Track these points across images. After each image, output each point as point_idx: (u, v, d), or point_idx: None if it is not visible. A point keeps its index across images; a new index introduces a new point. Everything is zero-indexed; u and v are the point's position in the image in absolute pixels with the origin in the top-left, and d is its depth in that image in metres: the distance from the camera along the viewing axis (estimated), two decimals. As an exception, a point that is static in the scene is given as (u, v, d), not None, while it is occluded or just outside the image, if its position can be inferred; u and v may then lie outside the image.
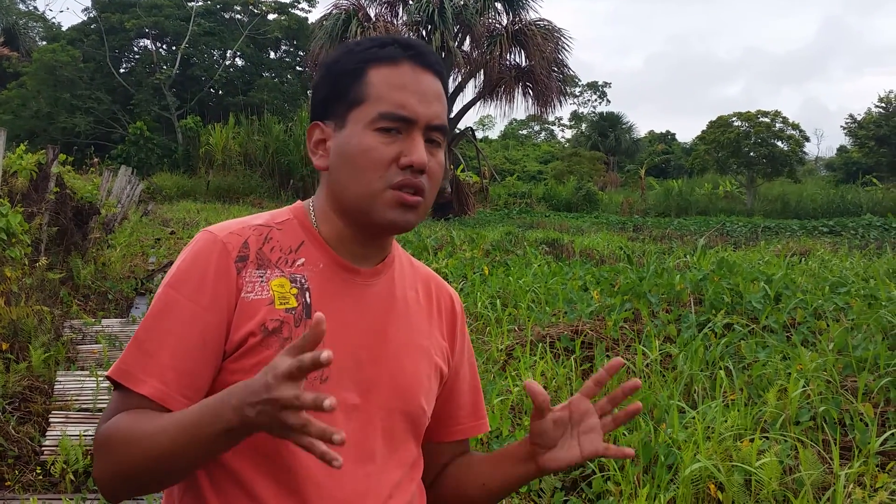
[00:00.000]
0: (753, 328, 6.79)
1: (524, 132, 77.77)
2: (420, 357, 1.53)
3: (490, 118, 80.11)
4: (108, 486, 1.34)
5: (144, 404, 1.33)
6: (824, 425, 4.62)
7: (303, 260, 1.45)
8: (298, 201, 1.57)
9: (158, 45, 52.63)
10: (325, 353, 1.10)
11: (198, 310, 1.36)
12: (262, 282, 1.40)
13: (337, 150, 1.44)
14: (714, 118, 46.92)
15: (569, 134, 79.09)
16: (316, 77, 1.55)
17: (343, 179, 1.43)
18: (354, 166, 1.41)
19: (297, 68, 53.17)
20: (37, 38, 55.02)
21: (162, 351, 1.34)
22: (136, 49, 53.61)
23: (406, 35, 27.74)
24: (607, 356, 6.20)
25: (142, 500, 4.04)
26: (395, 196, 1.40)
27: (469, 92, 30.73)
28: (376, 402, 1.44)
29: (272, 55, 54.66)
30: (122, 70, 51.44)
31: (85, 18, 52.71)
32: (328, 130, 1.47)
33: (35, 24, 55.81)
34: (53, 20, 57.74)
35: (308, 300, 1.42)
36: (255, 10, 52.26)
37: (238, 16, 53.84)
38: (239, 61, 54.73)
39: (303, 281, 1.43)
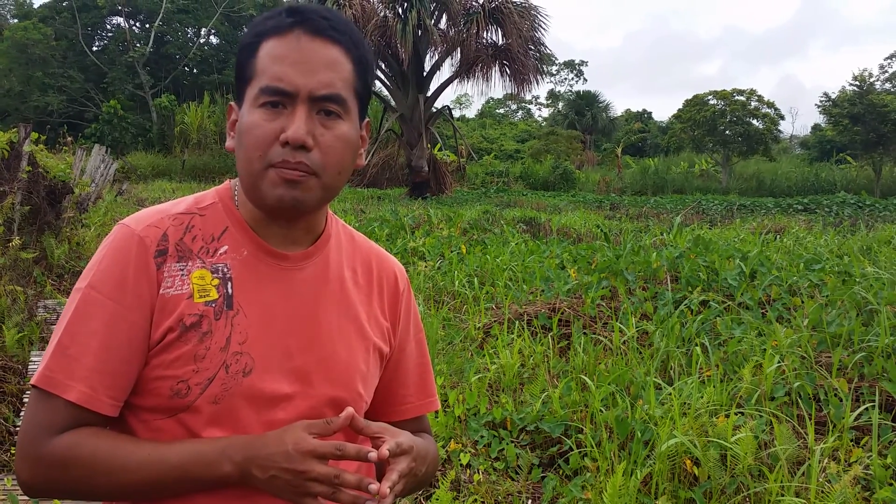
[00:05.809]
0: (729, 305, 6.83)
1: (501, 111, 77.66)
2: (355, 341, 1.48)
3: (467, 97, 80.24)
4: (42, 493, 1.32)
5: (71, 410, 1.29)
6: (799, 401, 4.66)
7: (226, 248, 1.39)
8: (227, 181, 1.49)
9: (132, 22, 52.04)
10: (373, 454, 1.26)
11: (121, 309, 1.31)
12: (182, 275, 1.35)
13: (237, 130, 1.39)
14: (690, 97, 47.03)
15: (546, 113, 79.17)
16: None
17: (239, 159, 1.37)
18: (243, 146, 1.35)
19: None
20: (8, 16, 54.31)
21: (87, 354, 1.29)
22: (108, 27, 53.04)
23: (382, 13, 27.78)
24: (584, 333, 6.22)
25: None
26: (276, 174, 1.32)
27: (446, 70, 30.69)
28: (311, 391, 1.40)
29: (247, 33, 54.18)
30: (94, 48, 50.87)
31: (56, -5, 52.03)
32: (237, 111, 1.42)
33: (6, 1, 55.03)
34: (24, -3, 56.80)
35: (230, 291, 1.36)
36: (230, -13, 51.78)
37: (212, -8, 53.30)
38: (214, 39, 54.25)
39: (225, 270, 1.37)
